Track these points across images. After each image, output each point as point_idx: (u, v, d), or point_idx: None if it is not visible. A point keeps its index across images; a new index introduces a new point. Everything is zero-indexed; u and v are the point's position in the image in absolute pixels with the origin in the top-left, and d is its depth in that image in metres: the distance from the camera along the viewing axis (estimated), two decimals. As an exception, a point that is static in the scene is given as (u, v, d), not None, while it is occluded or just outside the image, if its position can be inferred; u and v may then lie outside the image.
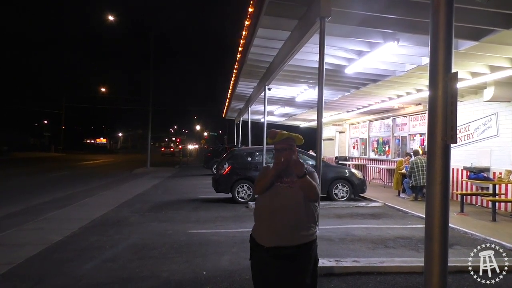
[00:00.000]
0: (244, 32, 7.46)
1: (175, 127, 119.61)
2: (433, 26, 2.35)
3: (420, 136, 14.33)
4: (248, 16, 6.63)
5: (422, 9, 5.48)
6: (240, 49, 8.68)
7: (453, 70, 2.31)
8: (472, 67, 8.63)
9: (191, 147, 56.19)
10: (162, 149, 57.59)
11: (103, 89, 53.61)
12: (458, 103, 6.15)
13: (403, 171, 12.55)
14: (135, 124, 74.48)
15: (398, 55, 8.08)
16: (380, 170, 17.18)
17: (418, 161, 11.45)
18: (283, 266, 2.75)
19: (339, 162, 19.33)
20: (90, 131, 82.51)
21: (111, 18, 26.34)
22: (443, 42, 2.31)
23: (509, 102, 9.82)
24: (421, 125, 14.26)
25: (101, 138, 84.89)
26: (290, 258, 2.75)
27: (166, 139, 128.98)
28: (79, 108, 60.56)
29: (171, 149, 57.27)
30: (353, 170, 12.39)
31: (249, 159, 12.31)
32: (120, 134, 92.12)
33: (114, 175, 21.32)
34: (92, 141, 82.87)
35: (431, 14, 2.36)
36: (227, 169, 11.66)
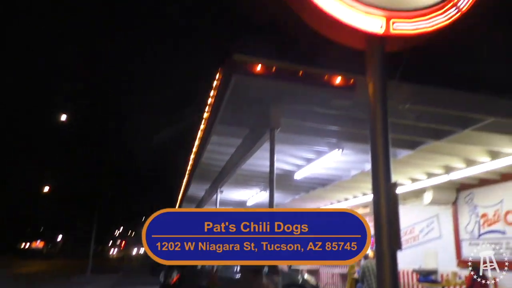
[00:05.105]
0: (199, 134, 7.59)
1: (121, 228, 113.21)
2: (372, 139, 2.60)
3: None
4: (203, 121, 6.87)
5: (363, 122, 6.01)
6: (194, 150, 8.82)
7: (394, 177, 2.52)
8: (411, 173, 9.28)
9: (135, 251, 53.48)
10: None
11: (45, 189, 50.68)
12: (402, 206, 6.51)
13: (355, 275, 12.41)
14: (76, 226, 69.33)
15: (343, 162, 8.50)
16: (333, 275, 16.86)
17: (369, 264, 11.40)
18: None
19: (292, 267, 18.84)
20: (25, 233, 75.66)
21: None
22: (382, 153, 2.55)
23: (448, 204, 10.40)
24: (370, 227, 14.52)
25: (38, 241, 77.69)
26: None
27: (111, 241, 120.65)
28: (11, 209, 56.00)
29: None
30: (306, 276, 12.09)
31: (199, 266, 11.70)
32: (59, 239, 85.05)
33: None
34: (27, 245, 75.61)
35: (370, 129, 2.63)
36: (175, 278, 10.96)
